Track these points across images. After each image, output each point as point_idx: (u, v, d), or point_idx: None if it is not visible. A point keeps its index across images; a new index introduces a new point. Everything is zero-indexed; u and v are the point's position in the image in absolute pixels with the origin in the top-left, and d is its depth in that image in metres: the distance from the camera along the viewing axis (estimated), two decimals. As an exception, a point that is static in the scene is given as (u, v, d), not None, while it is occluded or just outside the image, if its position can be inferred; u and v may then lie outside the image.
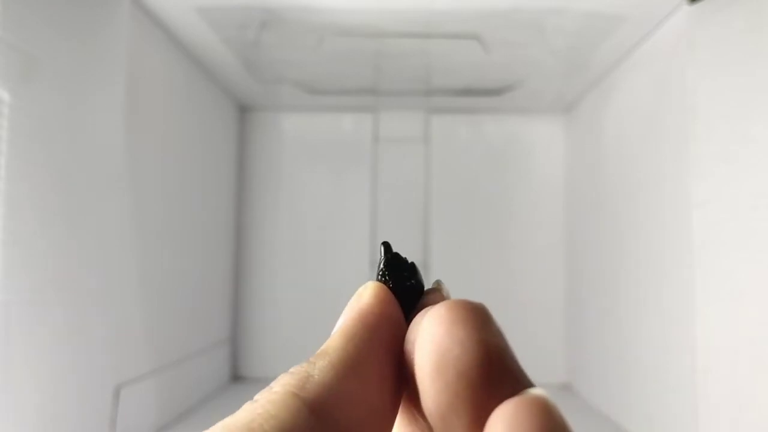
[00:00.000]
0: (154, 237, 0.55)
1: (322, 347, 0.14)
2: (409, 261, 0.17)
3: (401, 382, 0.14)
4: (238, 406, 0.13)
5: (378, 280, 0.17)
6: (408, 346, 0.14)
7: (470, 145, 0.82)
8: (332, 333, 0.15)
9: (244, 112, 0.82)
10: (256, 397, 0.13)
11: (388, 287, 0.16)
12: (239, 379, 0.79)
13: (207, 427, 0.12)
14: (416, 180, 0.81)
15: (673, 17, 0.49)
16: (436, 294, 0.17)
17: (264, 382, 0.15)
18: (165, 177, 0.58)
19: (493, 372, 0.11)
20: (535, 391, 0.11)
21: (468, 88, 0.74)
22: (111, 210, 0.48)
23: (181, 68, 0.61)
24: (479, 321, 0.12)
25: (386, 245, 0.17)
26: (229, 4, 0.50)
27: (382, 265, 0.17)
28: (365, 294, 0.16)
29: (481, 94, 0.75)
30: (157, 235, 0.56)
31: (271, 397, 0.12)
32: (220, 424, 0.12)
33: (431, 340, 0.12)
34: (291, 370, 0.13)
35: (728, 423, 0.40)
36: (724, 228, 0.41)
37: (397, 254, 0.17)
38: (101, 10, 0.46)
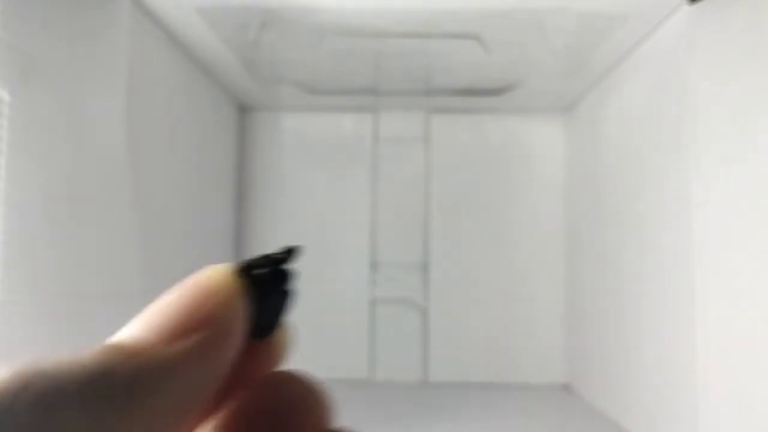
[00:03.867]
0: (154, 235, 0.55)
1: (147, 346, 0.11)
2: (290, 289, 0.13)
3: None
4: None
5: (245, 273, 0.12)
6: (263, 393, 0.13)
7: (470, 146, 0.82)
8: (160, 320, 0.11)
9: (244, 112, 0.82)
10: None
11: (253, 296, 0.12)
12: (239, 379, 0.79)
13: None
14: (416, 180, 0.81)
15: (673, 17, 0.49)
16: (279, 345, 0.14)
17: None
18: (165, 177, 0.58)
19: None
20: None
21: (468, 88, 0.74)
22: (111, 209, 0.48)
23: (181, 68, 0.61)
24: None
25: (294, 251, 0.13)
26: (229, 4, 0.50)
27: (269, 270, 0.12)
28: (224, 302, 0.11)
29: (481, 94, 0.75)
30: (158, 233, 0.56)
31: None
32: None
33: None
34: (123, 349, 0.11)
35: (728, 423, 0.40)
36: (724, 228, 0.41)
37: (291, 273, 0.13)
38: (101, 10, 0.46)
